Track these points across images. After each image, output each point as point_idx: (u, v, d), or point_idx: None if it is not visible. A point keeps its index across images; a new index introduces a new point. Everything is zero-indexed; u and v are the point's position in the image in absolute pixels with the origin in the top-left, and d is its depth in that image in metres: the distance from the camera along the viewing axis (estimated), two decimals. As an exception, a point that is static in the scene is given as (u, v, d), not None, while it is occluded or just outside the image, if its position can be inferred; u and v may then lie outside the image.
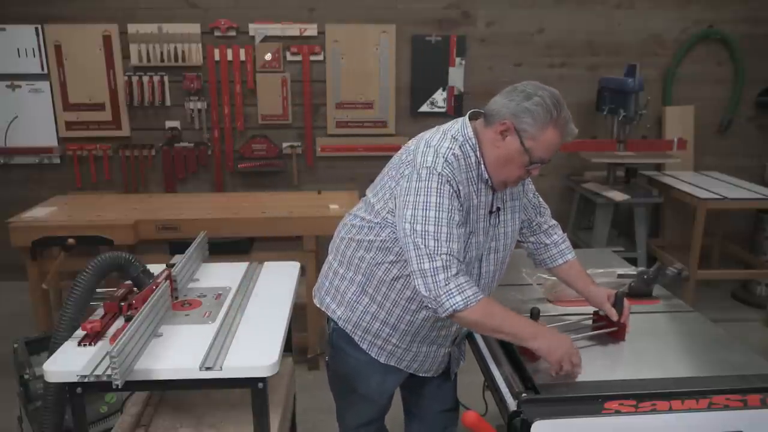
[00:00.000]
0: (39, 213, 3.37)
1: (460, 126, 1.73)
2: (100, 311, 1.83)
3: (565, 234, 2.05)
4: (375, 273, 1.80)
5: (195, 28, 4.32)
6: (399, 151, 1.79)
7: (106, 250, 2.25)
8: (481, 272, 1.81)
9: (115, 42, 4.30)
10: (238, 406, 2.00)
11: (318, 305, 1.98)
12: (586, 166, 4.54)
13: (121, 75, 4.34)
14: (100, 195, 4.04)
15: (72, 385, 1.60)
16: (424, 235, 1.60)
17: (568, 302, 2.12)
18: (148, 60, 4.33)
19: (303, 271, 2.58)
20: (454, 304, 1.59)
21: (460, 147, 1.68)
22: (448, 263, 1.59)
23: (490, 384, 1.77)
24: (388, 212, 1.73)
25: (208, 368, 1.60)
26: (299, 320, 3.10)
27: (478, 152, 1.69)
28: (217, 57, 4.35)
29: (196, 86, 4.36)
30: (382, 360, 1.90)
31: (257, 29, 4.34)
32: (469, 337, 2.01)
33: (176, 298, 2.02)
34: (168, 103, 4.43)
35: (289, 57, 4.41)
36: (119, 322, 1.80)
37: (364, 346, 1.89)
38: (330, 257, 1.97)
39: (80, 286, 1.87)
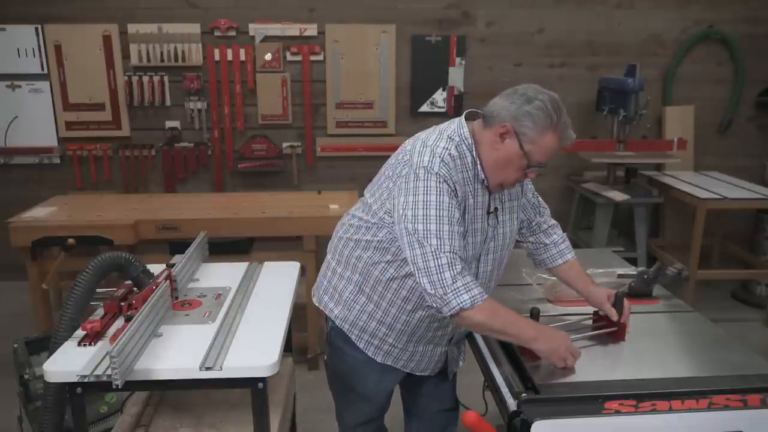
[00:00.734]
0: (39, 213, 3.37)
1: (456, 126, 1.73)
2: (100, 311, 1.83)
3: (565, 234, 2.05)
4: (372, 272, 1.80)
5: (195, 28, 4.32)
6: (396, 151, 1.79)
7: (106, 250, 2.25)
8: (478, 272, 1.81)
9: (115, 42, 4.30)
10: (238, 406, 2.00)
11: (316, 304, 1.98)
12: (586, 166, 4.54)
13: (121, 75, 4.34)
14: (100, 195, 4.04)
15: (72, 385, 1.60)
16: (426, 233, 1.60)
17: (568, 302, 2.12)
18: (148, 60, 4.33)
19: (303, 271, 2.57)
20: (461, 302, 1.58)
21: (456, 147, 1.68)
22: (452, 260, 1.59)
23: (490, 384, 1.77)
24: (385, 212, 1.73)
25: (208, 368, 1.61)
26: (299, 320, 3.10)
27: (474, 152, 1.69)
28: (217, 57, 4.35)
29: (196, 86, 4.36)
30: (378, 359, 1.90)
31: (257, 29, 4.34)
32: (469, 337, 2.01)
33: (176, 298, 2.02)
34: (168, 103, 4.43)
35: (289, 57, 4.41)
36: (119, 322, 1.80)
37: (361, 345, 1.89)
38: (328, 256, 1.97)
39: (80, 286, 1.87)
